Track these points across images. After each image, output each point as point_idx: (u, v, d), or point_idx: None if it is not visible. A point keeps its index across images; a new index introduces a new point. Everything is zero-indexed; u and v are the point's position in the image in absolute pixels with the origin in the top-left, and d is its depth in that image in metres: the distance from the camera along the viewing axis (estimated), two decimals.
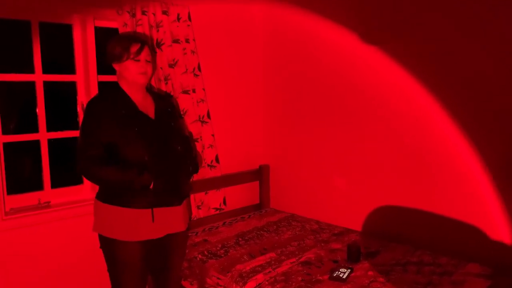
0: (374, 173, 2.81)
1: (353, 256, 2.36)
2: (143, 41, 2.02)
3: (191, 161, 2.18)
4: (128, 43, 1.97)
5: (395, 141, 2.68)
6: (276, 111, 3.41)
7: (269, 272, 2.25)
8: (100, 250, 2.06)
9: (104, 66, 2.79)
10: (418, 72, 2.52)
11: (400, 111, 2.63)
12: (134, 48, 1.98)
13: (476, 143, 2.33)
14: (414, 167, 2.60)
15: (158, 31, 2.68)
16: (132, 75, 1.99)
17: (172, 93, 2.78)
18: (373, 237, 2.73)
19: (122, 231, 1.96)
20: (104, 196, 2.00)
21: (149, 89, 2.19)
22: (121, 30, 2.60)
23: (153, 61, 2.22)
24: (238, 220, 3.12)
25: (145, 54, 2.00)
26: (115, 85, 2.04)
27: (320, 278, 2.17)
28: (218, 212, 3.17)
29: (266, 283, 2.14)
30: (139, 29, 2.59)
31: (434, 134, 2.49)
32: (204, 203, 3.09)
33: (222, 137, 3.21)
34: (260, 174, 3.45)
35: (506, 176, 2.22)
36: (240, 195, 3.41)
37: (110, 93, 2.02)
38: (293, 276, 2.19)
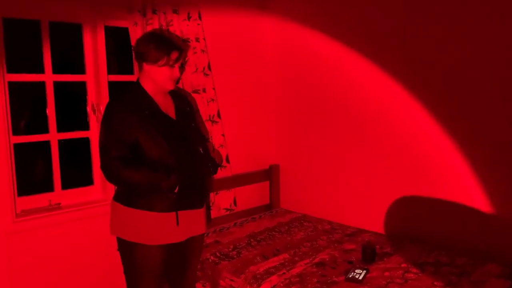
0: (384, 173, 2.77)
1: (368, 257, 2.33)
2: (181, 48, 2.00)
3: (212, 162, 2.15)
4: (168, 48, 1.94)
5: (403, 142, 2.65)
6: (286, 110, 3.38)
7: (283, 273, 2.21)
8: (115, 252, 2.03)
9: (114, 66, 2.79)
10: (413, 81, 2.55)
11: (402, 114, 2.66)
12: (174, 55, 1.95)
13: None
14: (424, 167, 2.57)
15: (168, 30, 2.65)
16: (163, 80, 1.97)
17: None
18: (386, 237, 2.69)
19: (145, 235, 1.93)
20: (124, 198, 1.96)
21: None
22: (131, 30, 2.58)
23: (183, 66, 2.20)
24: (249, 221, 3.09)
25: (180, 61, 2.00)
26: (136, 84, 2.01)
27: (336, 279, 2.13)
28: (228, 212, 3.14)
29: (281, 284, 2.11)
30: (149, 28, 2.57)
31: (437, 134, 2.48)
32: (215, 203, 3.06)
33: (232, 137, 3.18)
34: (270, 174, 3.41)
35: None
36: (250, 195, 3.37)
37: (132, 92, 1.99)
38: (308, 278, 2.16)
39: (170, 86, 2.00)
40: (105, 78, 2.60)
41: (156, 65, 1.93)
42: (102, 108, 2.52)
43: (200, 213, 2.09)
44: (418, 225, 2.63)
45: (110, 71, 2.64)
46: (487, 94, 2.30)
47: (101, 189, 2.66)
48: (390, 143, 2.73)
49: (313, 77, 3.16)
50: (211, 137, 2.96)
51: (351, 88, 2.93)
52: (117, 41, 2.78)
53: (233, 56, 3.19)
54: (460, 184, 2.43)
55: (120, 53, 2.85)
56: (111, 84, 2.64)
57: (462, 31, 2.35)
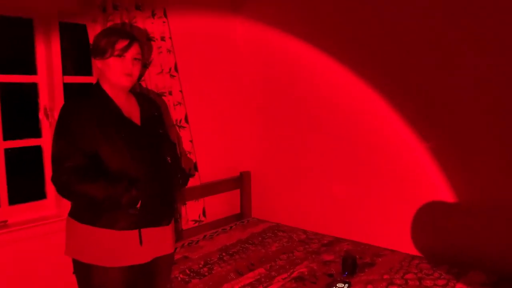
0: (362, 179, 2.68)
1: (349, 269, 2.20)
2: (132, 36, 1.75)
3: (181, 172, 1.94)
4: (115, 37, 1.70)
5: (382, 148, 2.57)
6: (259, 114, 3.23)
7: None
8: (70, 275, 1.79)
9: (71, 66, 2.53)
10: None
11: (380, 121, 2.58)
12: (121, 44, 1.69)
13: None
14: (403, 172, 2.49)
15: (131, 27, 2.44)
16: (115, 76, 1.72)
17: None
18: (364, 246, 2.58)
19: (104, 256, 1.69)
20: (80, 215, 1.71)
21: (132, 89, 1.90)
22: (89, 26, 2.36)
23: (144, 61, 1.97)
24: (220, 233, 2.90)
25: (133, 52, 1.72)
26: (95, 86, 1.78)
27: None
28: (197, 224, 2.94)
29: None
30: (109, 24, 2.34)
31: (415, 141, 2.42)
32: (182, 215, 2.85)
33: (201, 143, 2.98)
34: (241, 182, 3.25)
35: None
36: (219, 205, 3.19)
37: (91, 94, 1.75)
38: None
39: (125, 82, 1.73)
40: (59, 79, 2.35)
41: (104, 59, 1.70)
42: (56, 113, 2.27)
43: (167, 230, 1.87)
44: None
45: (66, 72, 2.39)
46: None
47: (55, 204, 2.40)
48: (368, 149, 2.64)
49: (287, 80, 3.03)
50: (178, 144, 2.76)
51: (327, 92, 2.83)
52: (74, 39, 2.54)
53: (202, 57, 3.00)
54: (438, 191, 2.37)
55: (78, 52, 2.60)
56: (67, 87, 2.39)
57: (434, 35, 2.31)
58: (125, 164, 1.68)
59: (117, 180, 1.65)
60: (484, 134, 2.21)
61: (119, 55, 1.69)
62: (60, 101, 2.32)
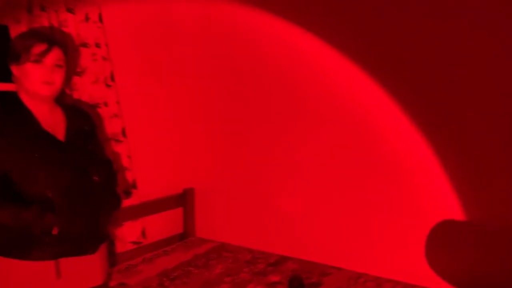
0: (316, 195, 2.59)
1: None
2: (52, 40, 1.55)
3: (113, 193, 1.74)
4: (32, 40, 1.51)
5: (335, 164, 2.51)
6: (203, 128, 3.07)
7: None
8: None
9: None
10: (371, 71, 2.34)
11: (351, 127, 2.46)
12: (38, 48, 1.50)
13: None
14: (355, 183, 2.45)
15: (61, 32, 2.22)
16: (32, 84, 1.51)
17: None
18: (311, 264, 2.50)
19: None
20: None
21: (60, 100, 1.70)
22: (12, 28, 2.11)
23: (70, 67, 1.76)
24: (161, 255, 2.70)
25: (53, 57, 1.52)
26: (12, 96, 1.56)
27: None
28: (136, 246, 2.71)
29: None
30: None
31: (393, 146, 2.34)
32: (119, 237, 2.62)
33: (140, 158, 2.78)
34: (184, 199, 3.07)
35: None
36: (161, 225, 2.98)
37: (4, 105, 1.54)
38: None
39: (44, 91, 1.53)
40: None
41: (19, 64, 1.50)
42: None
43: (93, 259, 1.66)
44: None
45: None
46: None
47: None
48: (322, 163, 2.56)
49: (233, 89, 2.88)
50: (113, 160, 2.54)
51: (284, 96, 2.67)
52: None
53: (141, 65, 2.81)
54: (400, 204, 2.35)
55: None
56: None
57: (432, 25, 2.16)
58: (41, 186, 1.48)
59: (28, 205, 1.44)
60: (498, 150, 2.06)
61: (37, 61, 1.50)
62: None
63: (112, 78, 2.52)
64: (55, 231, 1.47)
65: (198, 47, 3.01)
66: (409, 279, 2.21)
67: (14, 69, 1.52)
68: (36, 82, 1.51)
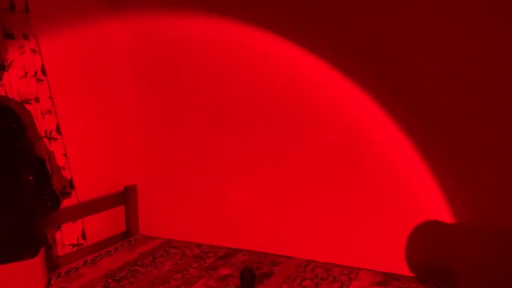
0: (264, 184, 2.61)
1: (247, 283, 2.12)
2: None
3: (49, 193, 1.65)
4: None
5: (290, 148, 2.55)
6: (144, 120, 2.97)
7: None
8: None
9: None
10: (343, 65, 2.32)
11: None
12: None
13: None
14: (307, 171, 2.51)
15: None
16: None
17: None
18: (261, 255, 2.54)
19: None
20: None
21: None
22: None
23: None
24: (103, 256, 2.58)
25: None
26: None
27: None
28: (76, 249, 2.58)
29: None
30: None
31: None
32: (57, 240, 2.47)
33: (77, 156, 2.63)
34: (126, 197, 2.96)
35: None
36: (102, 224, 2.86)
37: None
38: None
39: None
40: None
41: None
42: None
43: (33, 264, 1.58)
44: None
45: None
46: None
47: None
48: (264, 152, 2.57)
49: (178, 74, 2.78)
50: (48, 158, 2.38)
51: (231, 81, 2.61)
52: None
53: (76, 56, 2.64)
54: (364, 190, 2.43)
55: None
56: None
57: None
58: None
59: None
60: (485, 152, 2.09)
61: None
62: None
63: (44, 72, 2.35)
64: None
65: (135, 39, 2.89)
66: (355, 264, 2.32)
67: None
68: None
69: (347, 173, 2.36)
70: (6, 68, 2.13)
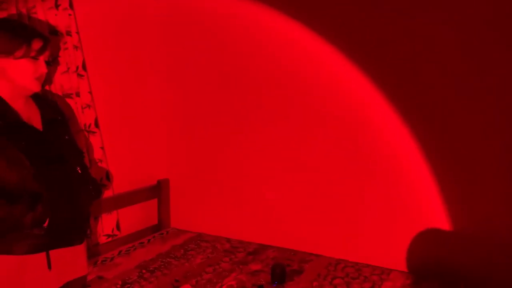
0: (295, 183, 2.63)
1: (278, 278, 2.15)
2: (46, 37, 1.54)
3: (93, 183, 1.72)
4: (28, 35, 1.48)
5: (311, 144, 2.56)
6: (179, 117, 3.02)
7: None
8: None
9: None
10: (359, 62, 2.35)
11: (335, 112, 2.47)
12: (37, 44, 1.49)
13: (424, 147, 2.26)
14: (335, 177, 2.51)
15: (29, 19, 2.11)
16: (25, 79, 1.49)
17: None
18: (290, 252, 2.56)
19: (4, 286, 1.43)
20: None
21: None
22: None
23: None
24: (137, 247, 2.66)
25: (47, 54, 1.54)
26: None
27: None
28: (110, 239, 2.66)
29: None
30: (3, 15, 2.00)
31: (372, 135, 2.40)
32: (93, 230, 2.56)
33: (114, 149, 2.71)
34: (158, 191, 3.03)
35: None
36: (135, 217, 2.94)
37: None
38: None
39: (35, 87, 1.54)
40: None
41: (13, 58, 1.46)
42: None
43: (79, 250, 1.66)
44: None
45: None
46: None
47: None
48: (298, 151, 2.59)
49: (215, 74, 2.82)
50: (87, 151, 2.47)
51: (262, 82, 2.65)
52: None
53: (114, 52, 2.71)
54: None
55: None
56: None
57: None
58: (26, 178, 1.44)
59: (16, 197, 1.41)
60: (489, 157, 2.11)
61: (35, 57, 1.49)
62: None
63: (84, 68, 2.43)
64: (46, 223, 1.44)
65: (172, 35, 2.95)
66: (387, 265, 2.31)
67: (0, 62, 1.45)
68: (29, 78, 1.50)
69: (379, 175, 2.36)
70: (51, 64, 2.22)
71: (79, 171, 1.65)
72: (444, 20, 2.12)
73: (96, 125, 2.54)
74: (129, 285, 2.13)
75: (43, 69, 1.53)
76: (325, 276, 2.21)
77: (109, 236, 2.66)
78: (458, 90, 2.14)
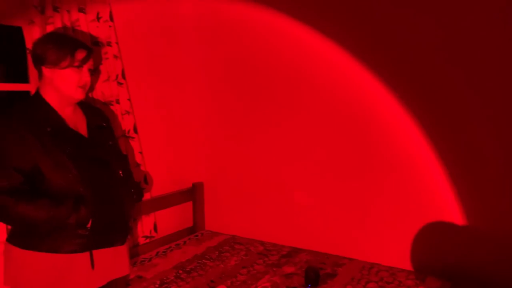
0: (324, 187, 2.66)
1: (312, 281, 2.17)
2: (89, 48, 1.65)
3: (135, 187, 1.81)
4: (72, 46, 1.58)
5: (341, 146, 2.57)
6: (212, 121, 3.11)
7: None
8: None
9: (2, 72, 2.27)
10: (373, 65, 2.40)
11: (357, 115, 2.51)
12: (81, 54, 1.59)
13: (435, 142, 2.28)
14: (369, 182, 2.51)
15: (74, 31, 2.23)
16: (69, 87, 1.59)
17: None
18: (323, 255, 2.57)
19: (50, 285, 1.53)
20: (20, 239, 1.54)
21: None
22: (25, 29, 2.12)
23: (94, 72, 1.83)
24: (173, 248, 2.75)
25: (90, 63, 1.64)
26: (35, 97, 1.61)
27: None
28: (148, 240, 2.76)
29: None
30: (50, 28, 2.13)
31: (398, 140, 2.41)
32: (132, 231, 2.67)
33: (151, 154, 2.81)
34: (193, 193, 3.11)
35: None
36: (171, 219, 3.03)
37: (30, 105, 1.59)
38: None
39: (79, 95, 1.63)
40: None
41: (58, 68, 1.56)
42: None
43: (121, 250, 1.74)
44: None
45: None
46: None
47: None
48: (334, 157, 2.61)
49: (248, 80, 2.88)
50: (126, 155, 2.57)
51: (294, 88, 2.70)
52: (7, 42, 2.28)
53: (150, 61, 2.83)
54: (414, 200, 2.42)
55: (12, 57, 2.34)
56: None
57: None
58: (71, 181, 1.54)
59: (61, 199, 1.51)
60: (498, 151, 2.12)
61: (79, 67, 1.59)
62: None
63: (123, 76, 2.54)
64: (89, 224, 1.53)
65: (207, 43, 3.03)
66: (421, 270, 2.30)
67: (48, 71, 1.57)
68: (74, 87, 1.60)
69: (411, 183, 2.36)
70: (93, 73, 2.33)
71: (121, 174, 1.73)
72: (457, 17, 2.12)
73: (135, 130, 2.64)
74: (166, 285, 2.21)
75: (87, 78, 1.63)
76: (358, 280, 2.21)
77: (147, 237, 2.76)
78: (471, 84, 2.14)
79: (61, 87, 1.58)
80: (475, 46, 2.11)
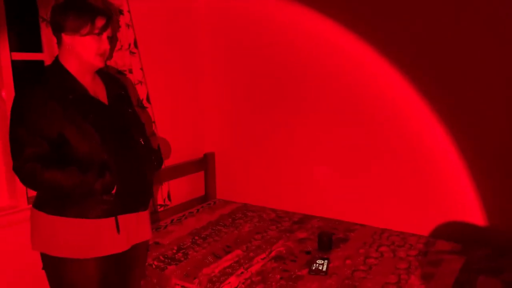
0: (323, 157, 2.71)
1: (325, 245, 2.23)
2: (109, 14, 1.62)
3: (155, 154, 1.84)
4: (92, 12, 1.56)
5: (353, 123, 2.59)
6: (224, 91, 3.11)
7: (242, 273, 2.01)
8: (39, 271, 1.64)
9: (13, 41, 2.26)
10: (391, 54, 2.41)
11: (369, 94, 2.53)
12: (101, 21, 1.57)
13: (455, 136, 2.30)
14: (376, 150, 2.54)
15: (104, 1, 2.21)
16: (89, 54, 1.58)
17: None
18: (335, 222, 2.63)
19: (78, 248, 1.58)
20: (47, 205, 1.58)
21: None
22: None
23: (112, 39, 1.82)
24: (188, 216, 2.81)
25: (109, 30, 1.62)
26: (55, 65, 1.61)
27: (299, 273, 1.99)
28: (162, 209, 2.82)
29: (243, 286, 1.91)
30: None
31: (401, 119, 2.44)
32: (154, 197, 2.72)
33: (164, 124, 2.84)
34: (205, 163, 3.15)
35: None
36: (183, 188, 3.08)
37: (51, 74, 1.59)
38: (270, 275, 1.98)
39: (99, 63, 1.63)
40: (7, 55, 2.09)
41: (79, 35, 1.55)
42: (5, 95, 2.05)
43: (144, 216, 1.79)
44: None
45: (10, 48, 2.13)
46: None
47: (7, 194, 2.17)
48: (346, 125, 2.64)
49: (258, 49, 2.89)
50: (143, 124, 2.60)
51: (304, 60, 2.71)
52: (19, 11, 2.26)
53: (163, 30, 2.82)
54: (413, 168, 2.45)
55: (25, 26, 2.33)
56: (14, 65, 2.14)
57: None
58: (95, 148, 1.56)
59: (87, 166, 1.54)
60: None
61: (99, 34, 1.57)
62: (9, 81, 2.07)
63: (136, 45, 2.53)
64: (114, 190, 1.57)
65: (220, 12, 3.01)
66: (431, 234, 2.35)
67: (68, 38, 1.55)
68: (93, 54, 1.58)
69: (418, 162, 2.39)
70: (111, 41, 2.33)
71: (142, 142, 1.76)
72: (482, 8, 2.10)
73: (148, 100, 2.65)
74: (184, 250, 2.28)
75: (106, 46, 1.61)
76: (370, 244, 2.28)
77: (161, 206, 2.82)
78: (494, 81, 2.13)
79: (81, 54, 1.58)
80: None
